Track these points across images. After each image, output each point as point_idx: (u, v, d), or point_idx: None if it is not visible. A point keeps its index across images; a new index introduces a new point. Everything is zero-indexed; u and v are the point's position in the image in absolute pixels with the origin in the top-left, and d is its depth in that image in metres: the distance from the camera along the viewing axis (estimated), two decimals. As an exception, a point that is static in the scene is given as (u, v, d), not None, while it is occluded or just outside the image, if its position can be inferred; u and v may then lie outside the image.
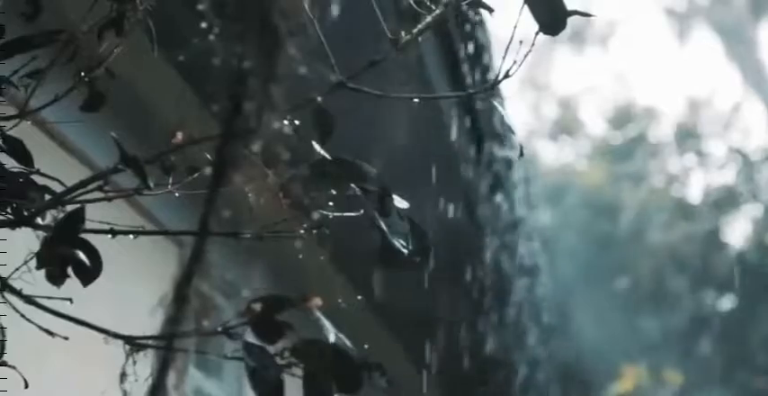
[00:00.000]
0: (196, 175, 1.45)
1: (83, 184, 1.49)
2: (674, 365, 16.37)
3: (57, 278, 1.37)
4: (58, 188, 1.51)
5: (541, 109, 20.95)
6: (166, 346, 1.03)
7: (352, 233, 1.20)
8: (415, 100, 1.63)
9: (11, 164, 1.53)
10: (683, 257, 16.88)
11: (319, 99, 1.17)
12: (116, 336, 1.22)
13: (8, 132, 1.55)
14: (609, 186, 18.37)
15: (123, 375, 1.23)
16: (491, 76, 4.30)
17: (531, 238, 6.32)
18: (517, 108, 20.46)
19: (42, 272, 1.40)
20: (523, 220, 5.91)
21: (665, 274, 16.94)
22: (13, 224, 1.44)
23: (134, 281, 3.33)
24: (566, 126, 20.01)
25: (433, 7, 1.38)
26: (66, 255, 1.34)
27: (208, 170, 1.11)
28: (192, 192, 1.43)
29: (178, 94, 3.37)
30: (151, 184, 1.45)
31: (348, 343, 1.05)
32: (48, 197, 1.48)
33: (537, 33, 1.37)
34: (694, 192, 18.47)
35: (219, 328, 1.11)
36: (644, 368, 16.08)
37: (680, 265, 16.89)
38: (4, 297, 1.44)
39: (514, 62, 1.37)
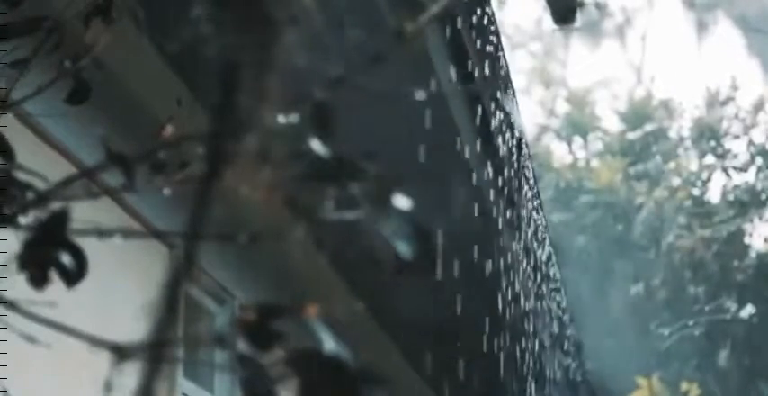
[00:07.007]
0: (186, 171, 1.44)
1: (68, 181, 1.49)
2: (692, 376, 16.37)
3: (39, 281, 1.36)
4: (41, 185, 1.51)
5: (554, 103, 20.95)
6: (154, 354, 1.03)
7: (352, 235, 1.20)
8: (421, 95, 1.62)
9: (-9, 159, 1.53)
10: (701, 262, 16.86)
11: (318, 94, 1.16)
12: (101, 344, 1.21)
13: (-12, 126, 1.55)
14: (623, 185, 18.36)
15: (108, 385, 1.22)
16: (501, 69, 4.29)
17: (543, 241, 6.31)
18: (529, 103, 20.47)
19: (23, 275, 1.39)
20: (534, 222, 5.91)
21: (683, 280, 16.93)
22: (-8, 224, 1.44)
23: (121, 283, 3.33)
24: (579, 122, 20.00)
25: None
26: (50, 257, 1.33)
27: (199, 168, 1.11)
28: (182, 189, 1.42)
29: (168, 86, 3.36)
30: (139, 183, 1.44)
31: (346, 353, 1.05)
32: (30, 195, 1.47)
33: (554, 29, 1.37)
34: (714, 192, 18.45)
35: (211, 337, 1.11)
36: (660, 379, 16.08)
37: (698, 271, 16.87)
38: (-19, 302, 1.43)
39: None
